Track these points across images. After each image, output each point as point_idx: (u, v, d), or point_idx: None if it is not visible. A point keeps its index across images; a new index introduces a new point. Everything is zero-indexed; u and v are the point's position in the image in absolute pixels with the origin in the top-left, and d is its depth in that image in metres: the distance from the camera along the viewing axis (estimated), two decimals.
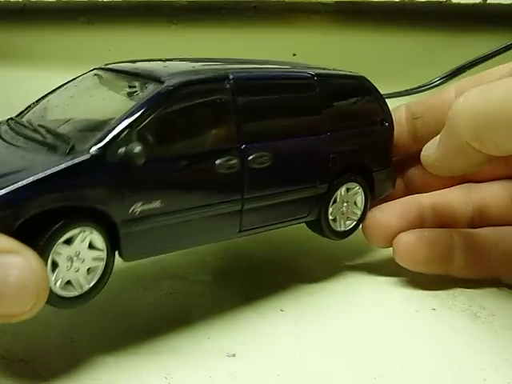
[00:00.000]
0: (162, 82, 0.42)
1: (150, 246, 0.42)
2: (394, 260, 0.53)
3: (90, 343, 0.44)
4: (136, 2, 0.96)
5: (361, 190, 0.54)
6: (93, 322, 0.46)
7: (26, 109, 0.49)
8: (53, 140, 0.40)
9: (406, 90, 0.89)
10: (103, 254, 0.39)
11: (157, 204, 0.40)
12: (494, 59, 0.82)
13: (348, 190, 0.53)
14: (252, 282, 0.51)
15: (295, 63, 0.60)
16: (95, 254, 0.39)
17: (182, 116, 0.42)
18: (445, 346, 0.44)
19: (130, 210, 0.39)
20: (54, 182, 0.36)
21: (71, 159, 0.37)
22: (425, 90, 0.87)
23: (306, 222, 0.52)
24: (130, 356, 0.43)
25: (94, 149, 0.38)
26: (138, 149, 0.38)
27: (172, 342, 0.44)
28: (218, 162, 0.43)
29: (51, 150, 0.39)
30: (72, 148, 0.38)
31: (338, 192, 0.52)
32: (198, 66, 0.48)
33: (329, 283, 0.54)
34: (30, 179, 0.35)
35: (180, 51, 0.99)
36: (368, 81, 0.56)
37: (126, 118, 0.39)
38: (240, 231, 0.46)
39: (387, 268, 0.55)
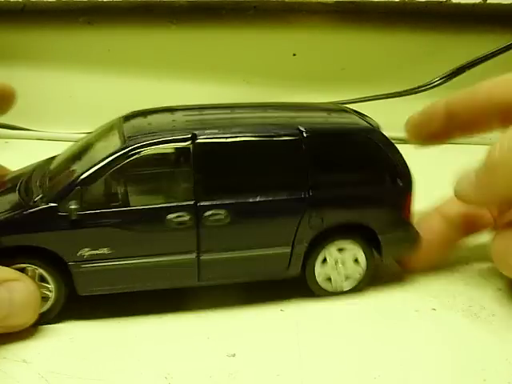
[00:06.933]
0: (124, 142, 0.46)
1: (102, 284, 0.46)
2: (394, 260, 0.54)
3: (90, 343, 0.44)
4: (136, 2, 0.96)
5: (361, 251, 0.50)
6: (92, 320, 0.46)
7: (55, 156, 0.54)
8: (30, 191, 0.46)
9: (406, 90, 0.89)
10: (51, 287, 0.45)
11: (104, 250, 0.45)
12: (494, 59, 0.82)
13: (341, 249, 0.50)
14: (252, 282, 0.51)
15: (297, 107, 0.56)
16: (44, 286, 0.45)
17: (136, 174, 0.46)
18: (445, 345, 0.44)
19: (78, 254, 0.44)
20: (10, 226, 0.43)
21: (28, 209, 0.44)
22: (425, 90, 0.87)
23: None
24: (131, 356, 0.43)
25: (50, 200, 0.44)
26: (74, 206, 0.43)
27: (172, 341, 0.44)
28: (168, 217, 0.45)
29: (23, 199, 0.45)
30: (37, 198, 0.44)
31: (326, 251, 0.50)
32: (175, 122, 0.49)
33: None
34: None
35: (180, 51, 0.99)
36: (377, 133, 0.50)
37: (82, 174, 0.44)
38: (199, 281, 0.48)
39: (387, 268, 0.55)
